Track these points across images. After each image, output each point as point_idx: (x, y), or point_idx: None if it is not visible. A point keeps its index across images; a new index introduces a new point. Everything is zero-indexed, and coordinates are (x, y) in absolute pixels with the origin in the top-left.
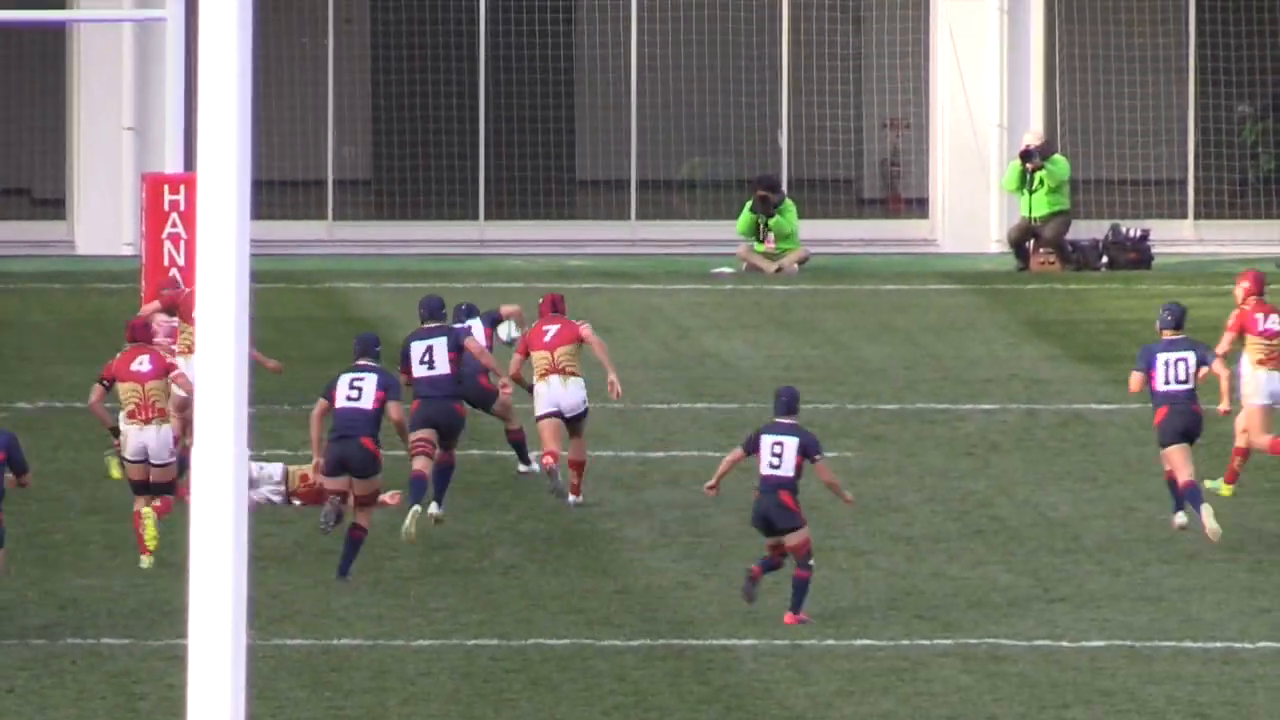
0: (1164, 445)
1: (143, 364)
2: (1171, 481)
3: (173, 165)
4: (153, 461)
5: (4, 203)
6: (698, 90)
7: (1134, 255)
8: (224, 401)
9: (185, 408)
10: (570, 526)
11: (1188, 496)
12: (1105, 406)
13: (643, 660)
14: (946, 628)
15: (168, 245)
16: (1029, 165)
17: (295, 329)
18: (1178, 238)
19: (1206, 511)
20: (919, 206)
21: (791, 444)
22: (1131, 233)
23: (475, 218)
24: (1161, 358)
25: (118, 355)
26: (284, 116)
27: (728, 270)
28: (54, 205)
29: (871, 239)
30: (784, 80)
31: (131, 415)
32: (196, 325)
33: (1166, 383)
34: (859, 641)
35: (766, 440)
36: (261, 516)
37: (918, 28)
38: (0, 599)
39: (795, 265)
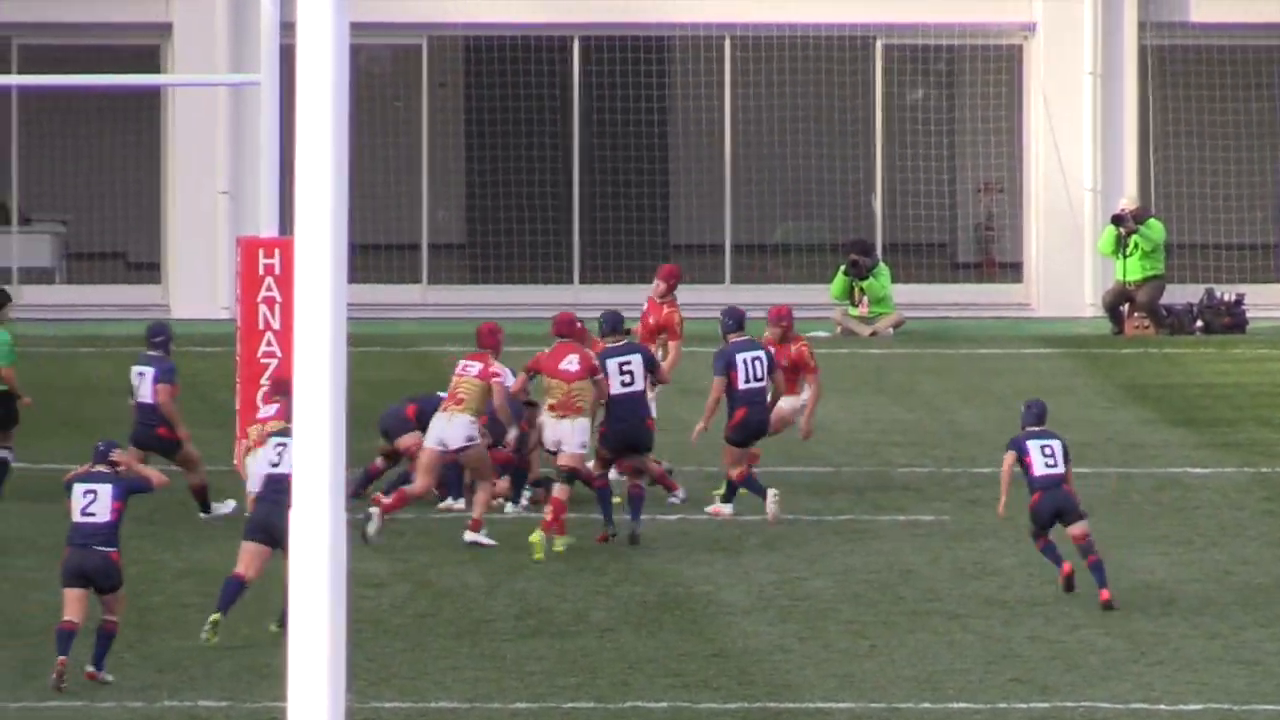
0: None
1: (571, 363)
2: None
3: (267, 229)
4: (564, 449)
5: (100, 266)
6: (791, 154)
7: (1229, 319)
8: (322, 466)
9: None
10: (666, 589)
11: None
12: (1200, 470)
13: None
14: (1043, 691)
15: (263, 309)
16: (1123, 229)
17: (390, 392)
18: (1272, 302)
19: None
20: (1013, 270)
21: (1057, 445)
22: (1226, 297)
23: (570, 281)
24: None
25: (547, 350)
26: (378, 180)
27: (823, 334)
28: (149, 269)
29: (966, 303)
30: (877, 144)
31: (552, 408)
32: (295, 389)
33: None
34: (956, 705)
35: (1034, 445)
36: (357, 579)
37: (1011, 91)
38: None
39: (890, 329)
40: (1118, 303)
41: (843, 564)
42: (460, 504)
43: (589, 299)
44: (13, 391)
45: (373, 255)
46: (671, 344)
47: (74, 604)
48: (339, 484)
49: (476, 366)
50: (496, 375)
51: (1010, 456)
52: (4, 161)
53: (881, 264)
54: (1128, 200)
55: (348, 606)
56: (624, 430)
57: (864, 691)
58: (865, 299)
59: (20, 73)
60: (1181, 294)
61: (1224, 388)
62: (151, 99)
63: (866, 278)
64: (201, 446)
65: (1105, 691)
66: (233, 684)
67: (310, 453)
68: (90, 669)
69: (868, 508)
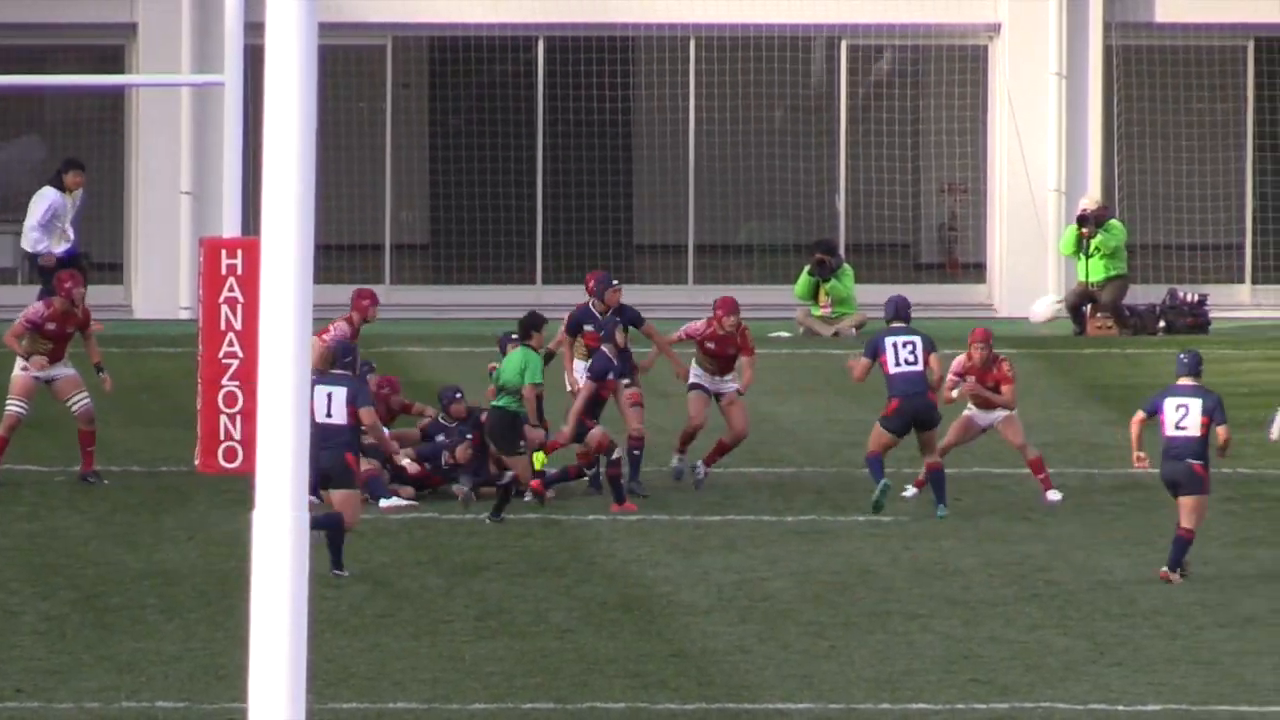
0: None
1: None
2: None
3: (230, 229)
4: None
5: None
6: (755, 154)
7: (1191, 320)
8: (284, 468)
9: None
10: (626, 590)
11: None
12: None
13: None
14: (1002, 692)
15: (225, 310)
16: (1084, 230)
17: None
18: (1235, 302)
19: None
20: (976, 271)
21: (1196, 404)
22: (1189, 297)
23: (533, 282)
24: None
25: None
26: (341, 180)
27: (785, 335)
28: (111, 269)
29: (929, 303)
30: (841, 144)
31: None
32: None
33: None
34: (914, 705)
35: (1171, 403)
36: (317, 580)
37: (976, 92)
38: (55, 663)
39: (853, 329)
40: (1080, 303)
41: (803, 564)
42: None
43: (551, 299)
44: None
45: (336, 256)
46: (745, 359)
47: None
48: (301, 485)
49: None
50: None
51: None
52: None
53: (845, 264)
54: (1089, 200)
55: (309, 607)
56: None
57: (823, 692)
58: (829, 299)
59: None
60: (1144, 294)
61: None
62: (115, 99)
63: (831, 278)
64: (163, 448)
65: (1064, 692)
66: (191, 685)
67: (273, 454)
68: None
69: (829, 508)
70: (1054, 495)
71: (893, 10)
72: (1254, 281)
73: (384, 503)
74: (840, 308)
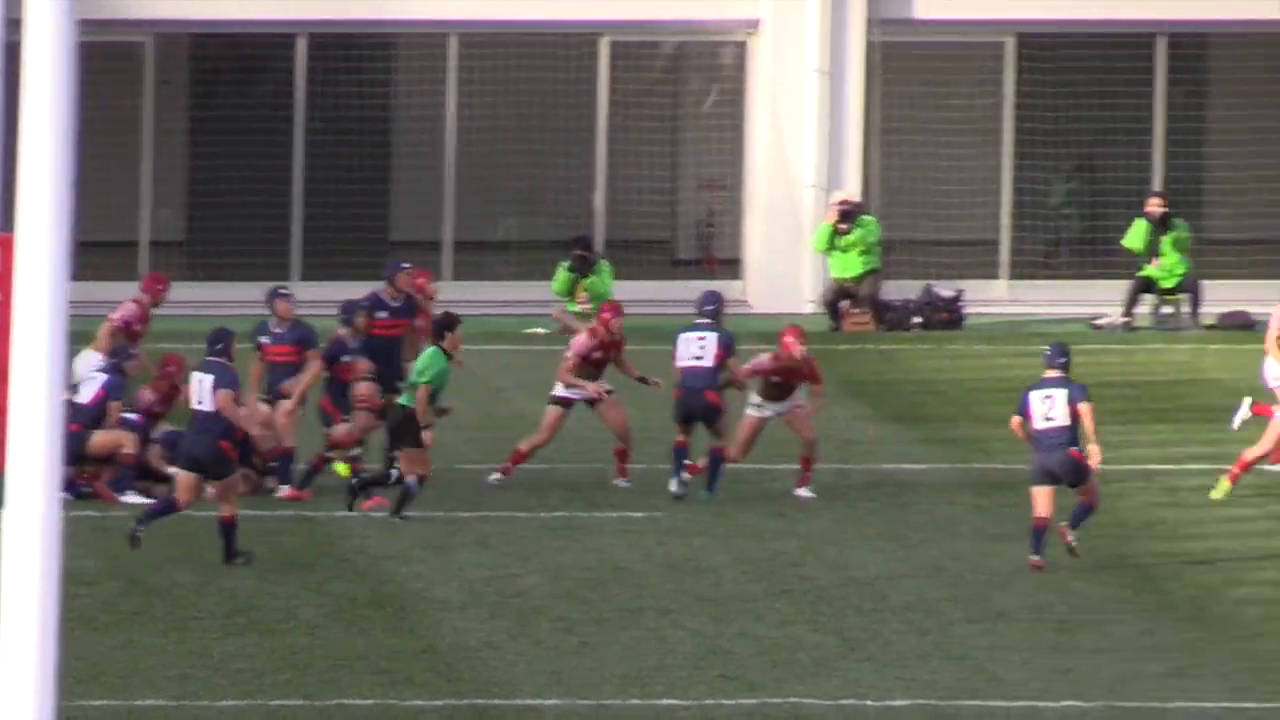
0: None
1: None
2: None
3: None
4: None
5: None
6: (514, 151)
7: (947, 315)
8: (37, 465)
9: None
10: (377, 586)
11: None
12: (915, 466)
13: None
14: (751, 687)
15: None
16: (840, 227)
17: None
18: (990, 298)
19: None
20: (733, 267)
21: (1061, 395)
22: (945, 293)
23: (289, 278)
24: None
25: None
26: (98, 176)
27: (542, 331)
28: None
29: (686, 299)
30: (600, 140)
31: None
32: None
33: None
34: (663, 701)
35: (1036, 395)
36: (69, 577)
37: (736, 89)
38: None
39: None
40: (837, 299)
41: (555, 561)
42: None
43: (308, 296)
44: None
45: (92, 252)
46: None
47: None
48: (55, 482)
49: None
50: None
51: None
52: None
53: (603, 261)
54: (844, 196)
55: (61, 604)
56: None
57: (572, 688)
58: (586, 295)
59: None
60: (900, 290)
61: (940, 384)
62: None
63: (589, 274)
64: None
65: (813, 688)
66: None
67: (25, 452)
68: None
69: (582, 505)
70: (805, 492)
71: (652, 7)
72: (1010, 277)
73: (125, 497)
74: (598, 304)
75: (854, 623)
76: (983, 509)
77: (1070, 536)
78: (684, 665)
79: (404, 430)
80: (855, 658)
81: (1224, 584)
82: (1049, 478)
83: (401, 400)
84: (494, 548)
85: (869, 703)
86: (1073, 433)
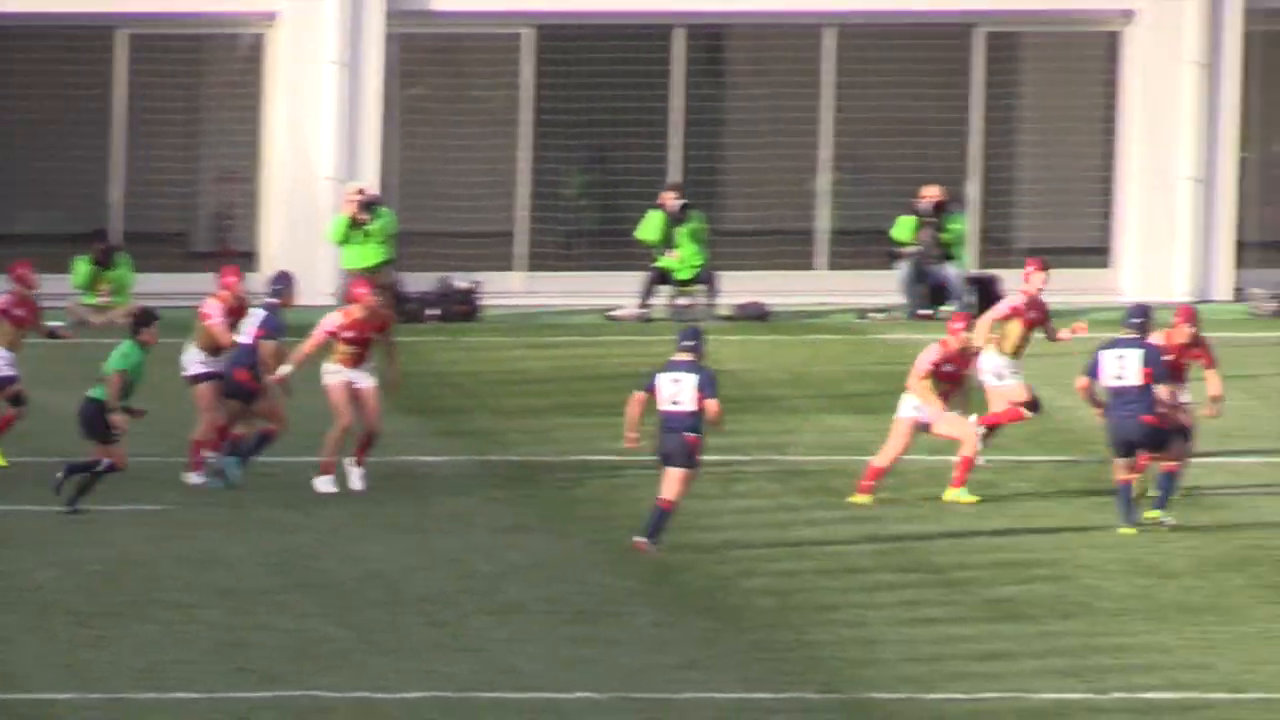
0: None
1: None
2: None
3: None
4: None
5: None
6: (31, 144)
7: (463, 307)
8: None
9: None
10: None
11: None
12: (431, 458)
13: None
14: (269, 680)
15: None
16: (358, 218)
17: None
18: (505, 289)
19: None
20: (249, 260)
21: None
22: (461, 285)
23: None
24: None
25: None
26: None
27: (60, 325)
28: None
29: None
30: (118, 132)
31: None
32: None
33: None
34: (178, 695)
35: (665, 378)
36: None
37: (253, 81)
38: None
39: (126, 319)
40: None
41: (71, 555)
42: None
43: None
44: None
45: None
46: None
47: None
48: None
49: None
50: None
51: None
52: None
53: (124, 253)
54: (360, 187)
55: None
56: None
57: (87, 682)
58: (108, 288)
59: None
60: (416, 282)
61: (456, 376)
62: None
63: (113, 267)
64: None
65: (330, 680)
66: None
67: None
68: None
69: (97, 498)
70: (324, 484)
71: (170, 1)
72: (528, 269)
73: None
74: (118, 297)
75: (371, 615)
76: (499, 500)
77: (650, 547)
78: (202, 658)
79: (95, 422)
80: (372, 650)
81: (737, 575)
82: (664, 458)
83: (92, 393)
84: (8, 544)
85: (383, 695)
86: (693, 418)
